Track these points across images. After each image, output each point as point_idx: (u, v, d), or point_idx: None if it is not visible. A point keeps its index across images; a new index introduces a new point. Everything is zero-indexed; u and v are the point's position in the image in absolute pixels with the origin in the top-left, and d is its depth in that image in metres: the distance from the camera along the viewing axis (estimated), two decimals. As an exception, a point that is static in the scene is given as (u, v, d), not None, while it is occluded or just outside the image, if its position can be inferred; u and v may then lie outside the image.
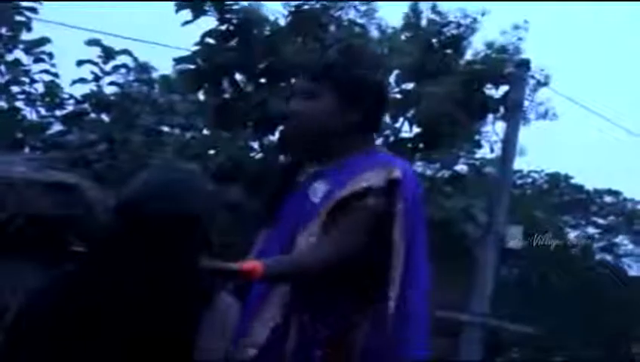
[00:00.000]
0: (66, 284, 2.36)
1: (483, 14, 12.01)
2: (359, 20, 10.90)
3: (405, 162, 3.21)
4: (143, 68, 14.21)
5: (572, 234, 34.38)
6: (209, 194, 2.44)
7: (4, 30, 13.18)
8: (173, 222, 2.34)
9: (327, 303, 3.16)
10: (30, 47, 13.27)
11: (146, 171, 2.47)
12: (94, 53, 12.97)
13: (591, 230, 35.30)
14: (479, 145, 12.84)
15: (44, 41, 13.19)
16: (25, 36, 13.24)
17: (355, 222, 3.06)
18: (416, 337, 3.18)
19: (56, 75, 13.51)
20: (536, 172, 33.49)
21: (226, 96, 10.78)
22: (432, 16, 11.52)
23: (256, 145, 11.43)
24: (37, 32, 13.23)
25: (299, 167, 3.28)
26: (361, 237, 3.05)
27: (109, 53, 13.04)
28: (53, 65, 13.46)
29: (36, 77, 13.50)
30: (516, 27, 15.58)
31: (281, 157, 10.53)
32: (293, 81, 3.01)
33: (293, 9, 10.50)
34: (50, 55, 13.39)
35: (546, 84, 15.68)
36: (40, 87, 13.56)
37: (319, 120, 3.12)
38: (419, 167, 12.19)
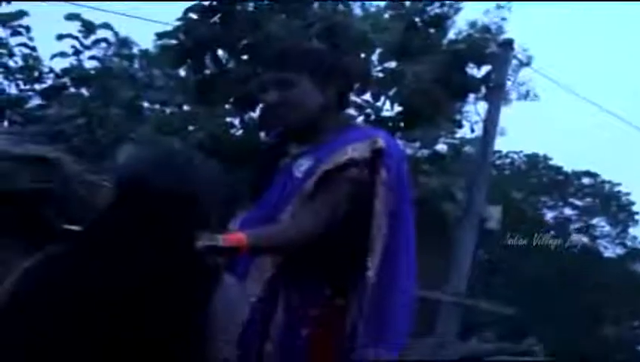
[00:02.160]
0: (60, 266, 2.32)
1: (467, -7, 11.99)
2: (343, -3, 10.86)
3: (389, 134, 3.25)
4: (124, 42, 14.12)
5: (549, 215, 34.57)
6: (213, 175, 2.41)
7: (-19, 2, 13.06)
8: (176, 200, 2.31)
9: (315, 282, 3.16)
10: (7, 20, 13.15)
11: (147, 148, 2.45)
12: (75, 27, 12.88)
13: (568, 211, 35.49)
14: (460, 125, 12.85)
15: (21, 14, 13.08)
16: (2, 9, 13.12)
17: (336, 192, 3.09)
18: (401, 310, 3.18)
19: (33, 48, 13.42)
20: (515, 152, 33.64)
21: (208, 72, 10.72)
22: (416, -6, 11.48)
23: (236, 121, 11.39)
24: (15, 4, 13.12)
25: (283, 149, 3.32)
26: (342, 207, 3.08)
27: (89, 27, 12.94)
28: (30, 39, 13.37)
29: (15, 50, 13.40)
30: (499, 7, 15.58)
31: (262, 135, 10.50)
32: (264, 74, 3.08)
33: (277, -15, 10.45)
34: (28, 28, 13.28)
35: (528, 64, 15.73)
36: (19, 61, 13.47)
37: (302, 106, 3.20)
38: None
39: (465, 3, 12.56)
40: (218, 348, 2.37)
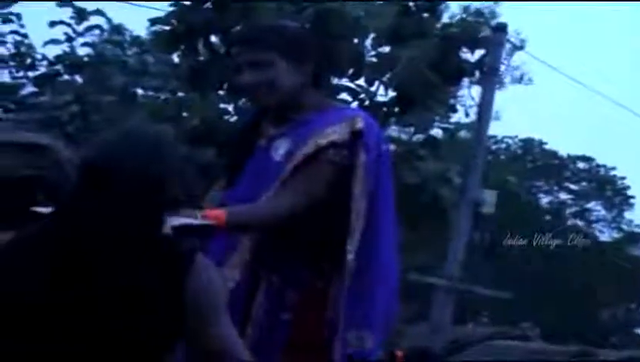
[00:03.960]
0: (29, 246, 2.29)
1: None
2: (336, -18, 10.82)
3: (368, 115, 3.24)
4: (117, 29, 14.10)
5: (545, 200, 34.63)
6: (178, 155, 2.38)
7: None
8: (141, 181, 2.28)
9: (295, 265, 3.16)
10: (-3, 8, 13.11)
11: (113, 130, 2.41)
12: (67, 14, 12.85)
13: (563, 195, 35.56)
14: (454, 110, 12.83)
15: (11, 1, 13.03)
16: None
17: (316, 173, 3.09)
18: (383, 291, 3.17)
19: (25, 35, 13.39)
20: (510, 137, 33.69)
21: (201, 58, 10.69)
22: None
23: (230, 108, 11.36)
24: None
25: (258, 130, 3.30)
26: (321, 189, 3.07)
27: (81, 14, 12.90)
28: (22, 26, 13.34)
29: (7, 37, 13.37)
30: (493, -10, 15.53)
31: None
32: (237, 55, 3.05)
33: (269, -29, 10.41)
34: (19, 16, 13.24)
35: (521, 48, 15.71)
36: (11, 48, 13.44)
37: (278, 86, 3.17)
38: (393, 130, 12.18)
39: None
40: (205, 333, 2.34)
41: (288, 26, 3.36)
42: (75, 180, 2.31)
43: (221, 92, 11.16)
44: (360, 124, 3.12)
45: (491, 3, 14.33)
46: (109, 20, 13.60)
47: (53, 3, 12.59)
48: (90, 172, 2.29)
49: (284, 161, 3.14)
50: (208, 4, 10.34)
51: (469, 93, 13.85)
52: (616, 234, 35.70)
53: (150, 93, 13.35)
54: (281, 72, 3.17)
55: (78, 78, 13.05)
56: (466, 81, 12.82)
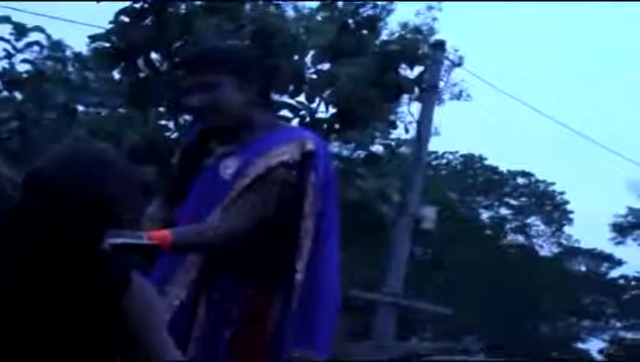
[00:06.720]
0: None
1: (399, -5, 12.03)
2: (275, -1, 10.88)
3: (317, 135, 3.27)
4: (57, 45, 13.99)
5: (485, 215, 34.91)
6: (123, 173, 2.37)
7: None
8: (83, 200, 2.28)
9: (236, 282, 3.17)
10: None
11: (58, 148, 2.40)
12: (6, 30, 12.73)
13: (503, 211, 35.86)
14: (394, 126, 12.92)
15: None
16: None
17: (264, 194, 3.12)
18: (326, 310, 3.21)
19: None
20: (450, 153, 33.92)
21: (141, 75, 10.65)
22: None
23: (171, 124, 11.33)
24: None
25: (205, 148, 3.31)
26: (270, 209, 3.10)
27: (21, 30, 12.79)
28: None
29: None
30: (430, 8, 15.71)
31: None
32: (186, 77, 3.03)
33: (208, -13, 10.42)
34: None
35: (460, 64, 15.88)
36: (-51, 65, 13.27)
37: (226, 107, 3.19)
38: (335, 147, 12.22)
39: (397, 4, 12.67)
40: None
41: (234, 45, 3.38)
42: (19, 194, 2.31)
43: (162, 108, 11.13)
44: (310, 145, 3.15)
45: (429, 20, 14.48)
46: (48, 37, 13.51)
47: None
48: (32, 185, 2.29)
49: (232, 180, 3.16)
50: (148, 21, 10.31)
51: (409, 110, 13.96)
52: (555, 249, 36.11)
53: (91, 109, 13.26)
54: (229, 92, 3.18)
55: (18, 95, 12.93)
56: (405, 97, 12.93)
